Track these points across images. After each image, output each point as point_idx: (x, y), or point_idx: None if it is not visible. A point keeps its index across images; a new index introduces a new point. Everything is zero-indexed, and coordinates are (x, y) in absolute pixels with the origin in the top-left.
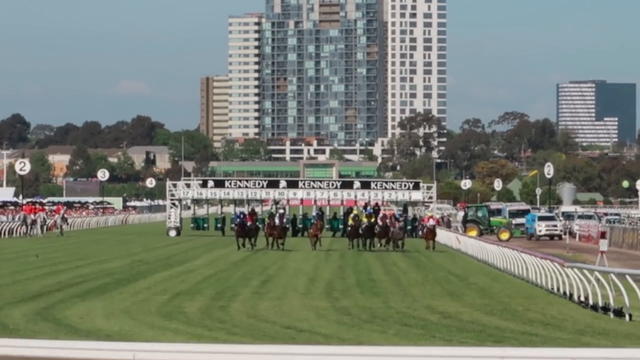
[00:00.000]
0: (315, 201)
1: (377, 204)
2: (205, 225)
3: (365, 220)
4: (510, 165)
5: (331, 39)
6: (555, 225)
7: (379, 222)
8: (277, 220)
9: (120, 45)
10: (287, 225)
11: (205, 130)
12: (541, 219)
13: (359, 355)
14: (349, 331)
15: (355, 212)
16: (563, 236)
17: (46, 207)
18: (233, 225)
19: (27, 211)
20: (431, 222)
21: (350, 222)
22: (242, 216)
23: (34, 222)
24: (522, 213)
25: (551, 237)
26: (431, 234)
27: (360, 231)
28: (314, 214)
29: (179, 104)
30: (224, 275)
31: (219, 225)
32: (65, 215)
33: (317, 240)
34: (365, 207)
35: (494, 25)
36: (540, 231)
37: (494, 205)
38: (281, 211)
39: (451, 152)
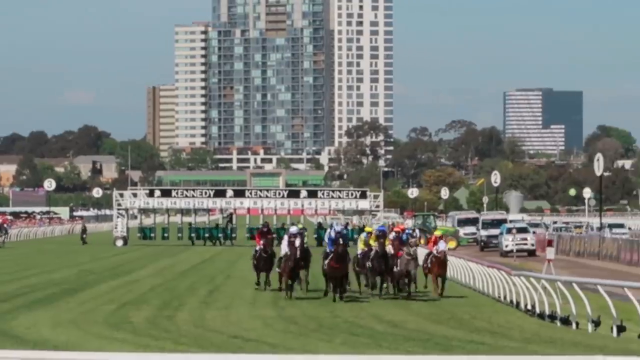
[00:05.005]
0: (262, 210)
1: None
2: (153, 234)
3: (374, 244)
4: (457, 173)
5: (277, 47)
6: (526, 239)
7: (390, 248)
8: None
9: (66, 55)
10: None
11: (151, 139)
12: (510, 231)
13: None
14: (295, 340)
15: (367, 229)
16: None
17: None
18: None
19: None
20: (442, 244)
21: (361, 246)
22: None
23: None
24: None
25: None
26: (442, 266)
27: (369, 263)
28: (338, 228)
29: (126, 113)
30: (170, 284)
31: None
32: (5, 226)
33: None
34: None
35: (440, 34)
36: (507, 246)
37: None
38: (294, 229)
39: (398, 161)
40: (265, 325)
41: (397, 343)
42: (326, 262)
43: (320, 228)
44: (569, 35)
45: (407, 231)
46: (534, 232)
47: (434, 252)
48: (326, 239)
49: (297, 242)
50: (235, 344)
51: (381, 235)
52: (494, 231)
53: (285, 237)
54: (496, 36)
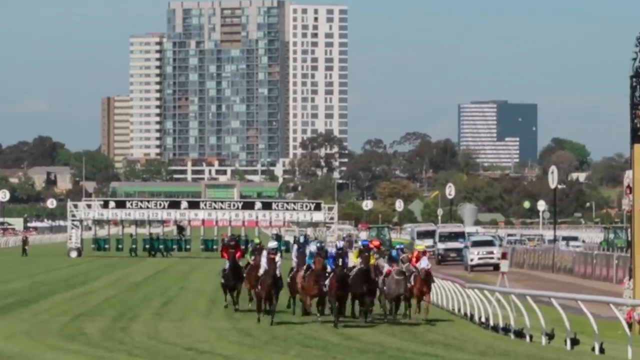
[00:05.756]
0: (216, 222)
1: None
2: (107, 246)
3: (357, 260)
4: (412, 185)
5: (232, 59)
6: (492, 253)
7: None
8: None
9: (21, 64)
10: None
11: (106, 150)
12: (475, 244)
13: None
14: (250, 352)
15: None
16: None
17: None
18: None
19: None
20: (424, 262)
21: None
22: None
23: None
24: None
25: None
26: (425, 285)
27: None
28: (340, 244)
29: (80, 124)
30: (124, 296)
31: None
32: None
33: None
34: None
35: (395, 46)
36: (472, 260)
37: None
38: (273, 244)
39: (352, 173)
40: (219, 337)
41: (351, 355)
42: (326, 282)
43: (277, 240)
44: (523, 47)
45: (397, 246)
46: (500, 246)
47: (417, 267)
48: (292, 251)
49: (278, 259)
50: (189, 356)
51: (365, 250)
52: (451, 244)
53: (264, 253)
54: (450, 48)
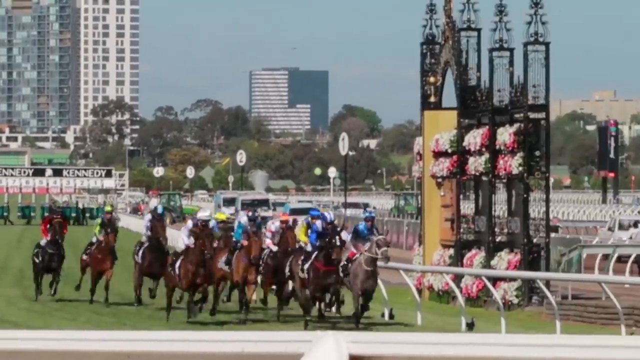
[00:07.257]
0: (7, 189)
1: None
2: None
3: (305, 239)
4: (203, 152)
5: (23, 25)
6: None
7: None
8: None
9: None
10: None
11: None
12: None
13: (48, 339)
14: (39, 319)
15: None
16: None
17: None
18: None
19: None
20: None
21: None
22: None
23: None
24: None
25: None
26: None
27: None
28: (329, 216)
29: None
30: None
31: None
32: None
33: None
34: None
35: (187, 13)
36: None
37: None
38: (205, 215)
39: (144, 140)
40: (8, 304)
41: (141, 321)
42: (305, 265)
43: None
44: (315, 15)
45: (367, 215)
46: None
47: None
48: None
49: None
50: None
51: (330, 228)
52: None
53: (189, 223)
54: (242, 15)
